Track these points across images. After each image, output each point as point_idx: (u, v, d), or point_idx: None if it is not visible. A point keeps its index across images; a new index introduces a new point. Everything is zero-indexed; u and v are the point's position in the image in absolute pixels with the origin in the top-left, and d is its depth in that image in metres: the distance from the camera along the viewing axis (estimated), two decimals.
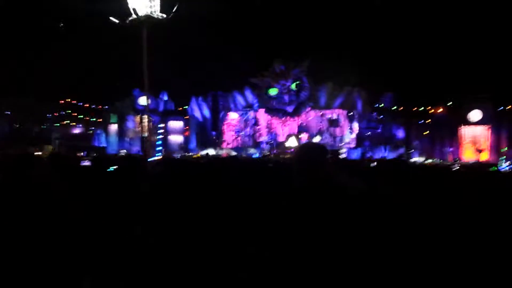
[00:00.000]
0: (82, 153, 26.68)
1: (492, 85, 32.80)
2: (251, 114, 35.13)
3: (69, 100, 37.68)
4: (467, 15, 38.13)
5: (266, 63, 34.54)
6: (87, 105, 38.18)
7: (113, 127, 34.81)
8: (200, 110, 36.90)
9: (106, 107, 37.36)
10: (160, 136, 34.03)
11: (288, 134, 33.02)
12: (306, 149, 2.85)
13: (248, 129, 34.76)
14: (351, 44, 39.63)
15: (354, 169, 6.25)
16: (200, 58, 39.93)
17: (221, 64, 37.67)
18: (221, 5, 41.95)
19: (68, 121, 37.89)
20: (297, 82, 33.14)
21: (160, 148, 32.67)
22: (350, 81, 33.79)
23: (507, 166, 23.21)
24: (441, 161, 28.21)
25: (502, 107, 32.73)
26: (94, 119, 37.99)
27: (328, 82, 34.54)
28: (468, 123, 31.24)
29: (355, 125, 32.94)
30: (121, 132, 33.83)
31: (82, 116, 38.12)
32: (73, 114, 37.90)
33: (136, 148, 32.02)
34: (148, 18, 8.44)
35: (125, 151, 31.59)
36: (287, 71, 33.42)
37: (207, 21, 39.79)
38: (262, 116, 34.62)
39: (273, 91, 33.93)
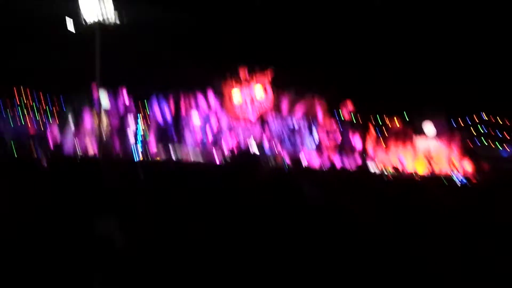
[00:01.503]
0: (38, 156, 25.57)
1: (445, 99, 34.29)
2: (213, 119, 34.90)
3: (22, 88, 35.69)
4: (422, 29, 39.68)
5: (230, 69, 34.55)
6: (42, 94, 36.21)
7: (69, 126, 33.57)
8: (161, 110, 36.24)
9: (62, 100, 35.69)
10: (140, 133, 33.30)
11: (250, 141, 33.07)
12: (239, 157, 2.95)
13: (209, 135, 34.53)
14: (312, 53, 40.29)
15: (315, 177, 6.36)
16: (164, 58, 39.35)
17: (185, 67, 37.25)
18: (190, 9, 41.68)
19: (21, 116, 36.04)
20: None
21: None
22: (310, 90, 34.40)
23: (459, 179, 24.14)
24: (395, 171, 29.07)
25: (454, 122, 34.29)
26: (49, 114, 36.18)
27: (289, 90, 34.96)
28: (422, 135, 32.43)
29: (315, 134, 33.49)
30: (78, 131, 32.72)
31: (36, 109, 36.26)
32: (27, 107, 35.93)
33: (93, 148, 31.11)
34: (100, 24, 8.29)
35: (80, 151, 30.63)
36: (251, 77, 33.58)
37: (172, 23, 39.43)
38: (224, 121, 34.49)
39: (236, 97, 33.99)
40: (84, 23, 7.68)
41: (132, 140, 34.16)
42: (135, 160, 23.28)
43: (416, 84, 38.15)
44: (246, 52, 38.11)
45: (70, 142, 32.25)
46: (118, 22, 7.89)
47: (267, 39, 40.92)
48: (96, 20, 7.69)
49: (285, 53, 39.60)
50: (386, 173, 21.96)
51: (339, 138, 33.36)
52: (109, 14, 7.87)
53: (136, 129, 33.53)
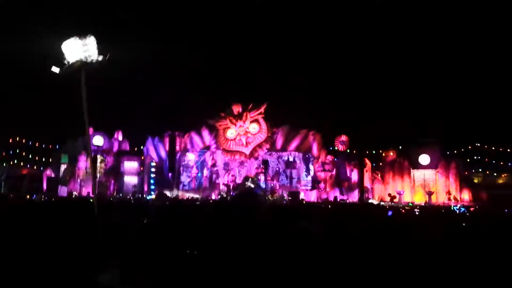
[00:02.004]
0: (32, 196, 25.37)
1: (439, 130, 34.65)
2: (208, 155, 34.92)
3: (18, 138, 36.26)
4: (415, 61, 40.54)
5: (224, 105, 34.91)
6: (37, 144, 36.84)
7: (64, 168, 33.48)
8: (156, 150, 36.34)
9: (57, 146, 36.13)
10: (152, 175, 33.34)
11: (245, 176, 32.96)
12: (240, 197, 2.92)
13: (205, 171, 34.43)
14: (306, 88, 40.89)
15: (313, 212, 6.28)
16: (157, 99, 39.81)
17: (179, 105, 37.64)
18: (179, 45, 42.49)
19: (16, 161, 36.23)
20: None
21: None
22: (305, 124, 34.75)
23: (458, 208, 23.95)
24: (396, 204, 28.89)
25: (449, 152, 34.47)
26: (44, 159, 36.50)
27: (284, 125, 35.26)
28: (418, 166, 32.46)
29: (311, 167, 33.49)
30: (73, 173, 32.54)
31: (31, 156, 36.60)
32: (22, 153, 36.36)
33: (87, 190, 30.86)
34: (83, 63, 8.33)
35: (75, 193, 30.36)
36: (244, 113, 33.86)
37: (165, 62, 40.12)
38: (220, 157, 34.51)
39: (230, 133, 34.17)
40: (67, 64, 7.77)
41: (128, 180, 33.98)
42: (131, 200, 23.02)
43: (410, 115, 38.69)
44: (239, 88, 38.63)
45: (63, 185, 32.00)
46: (100, 61, 7.96)
47: (261, 74, 41.61)
48: (79, 60, 7.77)
49: (279, 87, 40.20)
50: (384, 205, 21.80)
51: (335, 172, 33.31)
52: (93, 54, 7.98)
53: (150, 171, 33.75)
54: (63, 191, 31.33)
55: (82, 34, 8.28)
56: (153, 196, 29.79)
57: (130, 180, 34.09)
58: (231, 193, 30.53)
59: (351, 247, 2.73)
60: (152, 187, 32.94)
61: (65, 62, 8.34)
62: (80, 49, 8.28)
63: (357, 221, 3.82)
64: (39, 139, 37.00)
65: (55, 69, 8.35)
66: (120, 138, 36.59)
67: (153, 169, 33.69)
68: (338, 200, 28.75)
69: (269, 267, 2.38)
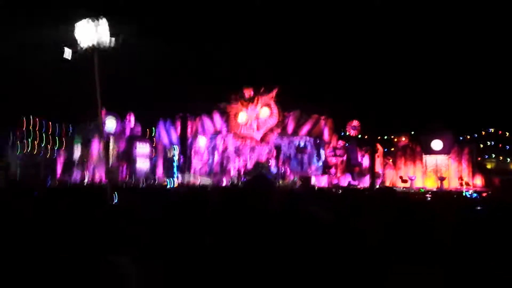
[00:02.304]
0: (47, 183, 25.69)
1: (452, 116, 34.27)
2: (219, 139, 34.96)
3: (32, 120, 36.42)
4: (429, 48, 39.93)
5: (235, 89, 34.80)
6: (50, 124, 36.90)
7: (77, 152, 33.76)
8: (168, 134, 36.46)
9: (70, 128, 36.25)
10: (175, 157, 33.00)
11: (256, 161, 33.01)
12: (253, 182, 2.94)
13: (216, 155, 34.52)
14: (318, 72, 40.58)
15: (325, 197, 6.29)
16: (169, 82, 39.83)
17: (190, 89, 37.61)
18: (193, 29, 42.36)
19: (31, 145, 36.57)
20: None
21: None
22: (317, 109, 34.50)
23: (470, 194, 23.87)
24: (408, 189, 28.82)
25: (462, 137, 34.11)
26: (58, 143, 36.77)
27: (295, 109, 35.05)
28: (430, 152, 32.21)
29: (322, 153, 33.38)
30: (85, 157, 32.80)
31: (45, 139, 36.89)
32: (36, 136, 36.59)
33: (100, 174, 31.16)
34: (96, 45, 8.33)
35: (88, 178, 30.67)
36: (256, 97, 33.72)
37: (177, 45, 40.02)
38: (230, 142, 34.53)
39: (241, 117, 34.13)
40: (80, 49, 7.75)
41: (141, 165, 34.20)
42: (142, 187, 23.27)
43: (423, 100, 38.25)
44: (251, 72, 38.46)
45: (77, 169, 32.39)
46: (114, 45, 7.93)
47: (273, 58, 41.35)
48: (91, 45, 7.75)
49: (290, 72, 39.95)
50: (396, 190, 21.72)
51: (347, 157, 33.20)
52: (105, 38, 7.96)
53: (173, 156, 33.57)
54: (76, 175, 31.72)
55: (94, 16, 8.29)
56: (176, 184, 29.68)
57: (142, 164, 34.30)
58: (242, 179, 30.67)
59: (357, 234, 2.74)
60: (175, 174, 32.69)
61: (78, 43, 8.37)
62: (92, 31, 8.29)
63: (363, 209, 3.83)
64: (52, 121, 37.20)
65: (68, 51, 8.40)
66: (132, 121, 36.64)
67: (175, 154, 33.22)
68: (351, 185, 28.78)
69: (278, 251, 2.42)
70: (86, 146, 33.20)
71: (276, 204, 2.76)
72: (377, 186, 26.26)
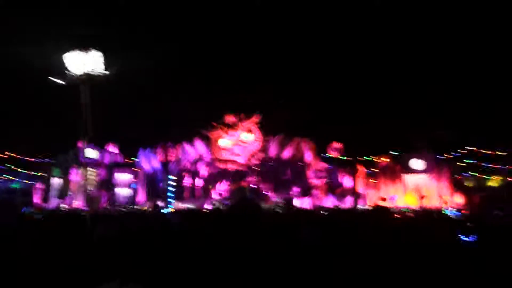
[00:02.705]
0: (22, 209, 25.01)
1: (432, 135, 34.79)
2: (201, 165, 34.83)
3: (7, 153, 35.91)
4: (407, 65, 40.87)
5: (217, 114, 34.90)
6: (28, 158, 36.47)
7: (55, 181, 33.14)
8: (149, 161, 36.15)
9: (48, 160, 35.76)
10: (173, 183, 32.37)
11: (239, 185, 32.88)
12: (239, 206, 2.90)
13: (197, 180, 34.25)
14: (299, 96, 41.02)
15: (309, 218, 6.26)
16: (149, 110, 39.73)
17: (171, 116, 37.55)
18: (171, 56, 42.56)
19: (7, 175, 35.83)
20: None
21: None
22: (298, 132, 34.82)
23: (451, 212, 24.09)
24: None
25: (441, 156, 34.65)
26: (35, 173, 36.10)
27: (277, 133, 35.31)
28: (411, 171, 32.60)
29: (305, 175, 33.46)
30: (64, 186, 32.18)
31: (21, 170, 36.21)
32: (13, 168, 35.96)
33: (79, 203, 30.51)
34: (86, 75, 8.25)
35: (66, 206, 30.01)
36: (238, 122, 33.89)
37: (156, 72, 40.07)
38: (212, 166, 34.43)
39: (224, 142, 34.16)
40: (71, 76, 7.62)
41: (121, 192, 33.71)
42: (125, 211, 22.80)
43: (403, 121, 38.87)
44: (232, 98, 38.61)
45: (56, 198, 31.71)
46: (106, 72, 7.85)
47: (254, 83, 41.70)
48: (83, 72, 7.64)
49: (272, 96, 40.28)
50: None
51: (329, 178, 33.33)
52: (97, 67, 7.85)
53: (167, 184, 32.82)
54: (52, 204, 31.04)
55: (86, 47, 8.22)
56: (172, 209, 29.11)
57: (123, 191, 33.86)
58: (225, 202, 30.41)
59: (343, 253, 2.72)
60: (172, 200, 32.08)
61: (69, 73, 8.27)
62: (82, 62, 8.21)
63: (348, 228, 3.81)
64: (29, 153, 36.64)
65: (58, 80, 8.29)
66: (112, 150, 36.33)
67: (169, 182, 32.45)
68: (332, 206, 28.80)
69: (275, 272, 2.37)
70: (65, 174, 32.64)
71: (264, 226, 2.72)
72: (366, 207, 26.22)
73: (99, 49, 8.37)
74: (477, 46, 39.03)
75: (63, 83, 8.30)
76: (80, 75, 8.26)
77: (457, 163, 34.75)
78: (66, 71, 8.24)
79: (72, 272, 3.33)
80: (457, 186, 31.92)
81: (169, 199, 31.35)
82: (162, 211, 15.33)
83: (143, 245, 3.92)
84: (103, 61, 8.37)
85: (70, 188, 31.82)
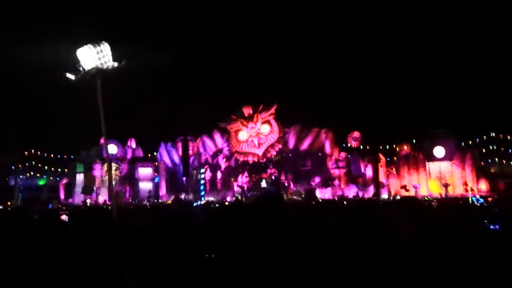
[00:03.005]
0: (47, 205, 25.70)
1: (454, 121, 34.23)
2: (221, 158, 35.09)
3: (33, 151, 36.86)
4: (427, 53, 40.17)
5: (234, 107, 35.00)
6: (52, 155, 37.39)
7: (79, 177, 33.85)
8: (169, 155, 36.61)
9: (71, 156, 36.56)
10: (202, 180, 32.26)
11: (259, 177, 32.97)
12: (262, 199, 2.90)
13: (219, 173, 34.48)
14: (317, 85, 40.75)
15: (331, 209, 6.25)
16: (168, 104, 40.09)
17: (190, 110, 37.86)
18: (189, 49, 42.76)
19: (33, 172, 36.81)
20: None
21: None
22: (317, 122, 34.67)
23: (476, 199, 23.70)
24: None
25: (464, 142, 34.05)
26: (59, 170, 37.00)
27: (296, 124, 35.25)
28: (433, 159, 32.11)
29: (324, 165, 33.32)
30: (88, 182, 32.79)
31: (47, 167, 37.16)
32: (38, 164, 36.92)
33: (103, 198, 31.13)
34: (99, 70, 8.32)
35: (90, 201, 30.62)
36: (255, 114, 33.92)
37: (175, 67, 40.35)
38: (233, 159, 34.64)
39: (242, 135, 34.27)
40: (83, 71, 7.70)
41: (143, 187, 34.18)
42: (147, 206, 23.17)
43: (423, 108, 38.32)
44: (250, 89, 38.66)
45: (80, 193, 32.37)
46: (116, 67, 7.91)
47: (271, 73, 41.58)
48: (94, 67, 7.72)
49: (289, 87, 40.14)
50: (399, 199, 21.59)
51: (349, 168, 33.10)
52: (108, 61, 7.90)
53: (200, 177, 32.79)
54: (78, 199, 31.72)
55: (96, 41, 8.31)
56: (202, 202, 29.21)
57: (145, 186, 34.37)
58: (247, 194, 30.58)
59: (365, 243, 2.71)
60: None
61: (81, 69, 8.36)
62: (95, 56, 8.30)
63: (370, 218, 3.78)
64: (53, 150, 37.54)
65: (70, 76, 8.40)
66: (133, 145, 36.87)
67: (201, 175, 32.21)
68: (359, 197, 28.73)
69: (295, 264, 2.38)
70: (88, 170, 33.32)
71: (287, 217, 2.73)
72: (397, 197, 25.93)
73: (109, 43, 8.43)
74: (501, 31, 38.01)
75: (73, 78, 8.39)
76: (94, 70, 8.33)
77: (481, 149, 34.11)
78: (79, 67, 8.32)
79: (94, 265, 3.41)
80: (482, 173, 31.31)
81: (201, 193, 31.29)
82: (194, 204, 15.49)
83: (165, 238, 3.97)
84: (112, 55, 8.44)
85: (94, 184, 32.43)
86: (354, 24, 41.71)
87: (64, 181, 34.40)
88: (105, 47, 8.36)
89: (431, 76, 39.60)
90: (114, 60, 8.57)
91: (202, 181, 31.81)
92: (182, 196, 30.63)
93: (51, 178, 36.84)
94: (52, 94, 33.35)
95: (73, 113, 37.16)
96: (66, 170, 36.02)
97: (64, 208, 20.96)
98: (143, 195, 33.20)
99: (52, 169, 37.23)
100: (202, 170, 32.48)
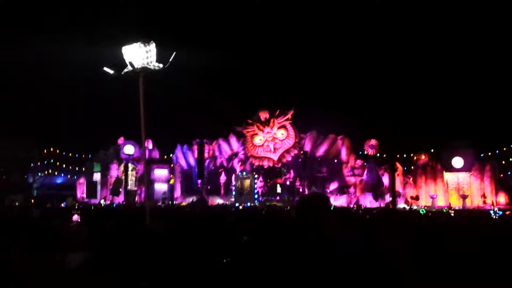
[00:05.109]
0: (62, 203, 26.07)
1: (472, 132, 33.65)
2: (236, 161, 35.07)
3: (52, 149, 37.41)
4: (444, 63, 39.67)
5: (251, 111, 35.02)
6: (70, 154, 37.90)
7: (96, 176, 34.26)
8: (185, 158, 36.75)
9: (90, 156, 37.01)
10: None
11: (273, 182, 32.90)
12: (310, 201, 2.75)
13: (233, 177, 34.46)
14: (335, 93, 40.56)
15: (349, 218, 6.15)
16: (185, 107, 40.32)
17: (206, 113, 38.02)
18: (207, 54, 42.93)
19: (51, 170, 37.38)
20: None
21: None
22: (334, 129, 34.44)
23: (494, 212, 23.12)
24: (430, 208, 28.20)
25: (483, 154, 33.38)
26: (77, 168, 37.48)
27: (312, 130, 35.08)
28: (451, 169, 31.59)
29: (340, 172, 33.04)
30: (116, 185, 32.99)
31: (64, 165, 37.68)
32: (56, 163, 37.47)
33: (120, 198, 31.38)
34: (144, 69, 8.33)
35: (103, 201, 30.88)
36: (272, 119, 33.88)
37: (193, 71, 40.60)
38: (248, 163, 34.61)
39: (258, 139, 34.24)
40: (131, 66, 7.69)
41: (159, 188, 34.37)
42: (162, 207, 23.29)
43: (442, 118, 37.81)
44: (266, 95, 38.65)
45: (97, 192, 32.76)
46: (161, 67, 7.91)
47: (288, 80, 41.50)
48: (141, 66, 7.70)
49: (306, 93, 40.04)
50: (418, 210, 21.28)
51: (365, 176, 32.75)
52: (154, 61, 7.91)
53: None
54: (94, 198, 32.05)
55: (146, 40, 8.28)
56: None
57: (161, 187, 34.55)
58: (260, 199, 30.52)
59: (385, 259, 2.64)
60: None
61: (128, 66, 8.33)
62: (143, 55, 8.26)
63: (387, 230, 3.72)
64: (72, 149, 38.05)
65: (109, 71, 8.39)
66: (150, 146, 37.10)
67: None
68: (370, 206, 28.33)
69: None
70: (105, 170, 33.69)
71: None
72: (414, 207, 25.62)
73: (154, 43, 8.41)
74: None
75: (112, 73, 8.38)
76: (139, 69, 8.30)
77: (501, 161, 33.40)
78: (127, 64, 8.29)
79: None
80: (501, 185, 30.68)
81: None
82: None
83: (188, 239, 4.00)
84: (158, 55, 8.43)
85: (121, 186, 32.52)
86: (375, 30, 41.46)
87: (82, 180, 34.82)
88: (153, 47, 8.32)
89: (452, 86, 39.04)
90: (157, 61, 8.55)
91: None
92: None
93: (69, 176, 37.34)
94: (73, 94, 33.86)
95: (92, 113, 37.67)
96: (83, 169, 36.48)
97: (77, 207, 21.16)
98: (158, 196, 33.34)
99: (70, 167, 37.73)
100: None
